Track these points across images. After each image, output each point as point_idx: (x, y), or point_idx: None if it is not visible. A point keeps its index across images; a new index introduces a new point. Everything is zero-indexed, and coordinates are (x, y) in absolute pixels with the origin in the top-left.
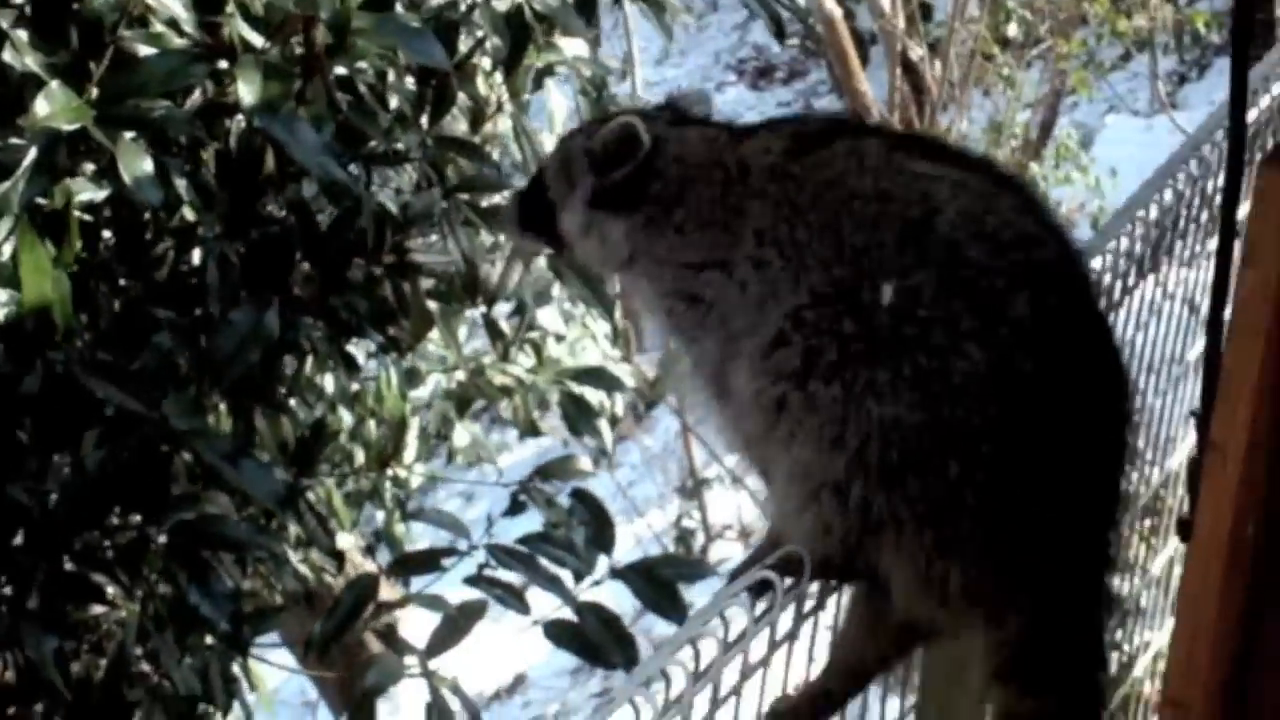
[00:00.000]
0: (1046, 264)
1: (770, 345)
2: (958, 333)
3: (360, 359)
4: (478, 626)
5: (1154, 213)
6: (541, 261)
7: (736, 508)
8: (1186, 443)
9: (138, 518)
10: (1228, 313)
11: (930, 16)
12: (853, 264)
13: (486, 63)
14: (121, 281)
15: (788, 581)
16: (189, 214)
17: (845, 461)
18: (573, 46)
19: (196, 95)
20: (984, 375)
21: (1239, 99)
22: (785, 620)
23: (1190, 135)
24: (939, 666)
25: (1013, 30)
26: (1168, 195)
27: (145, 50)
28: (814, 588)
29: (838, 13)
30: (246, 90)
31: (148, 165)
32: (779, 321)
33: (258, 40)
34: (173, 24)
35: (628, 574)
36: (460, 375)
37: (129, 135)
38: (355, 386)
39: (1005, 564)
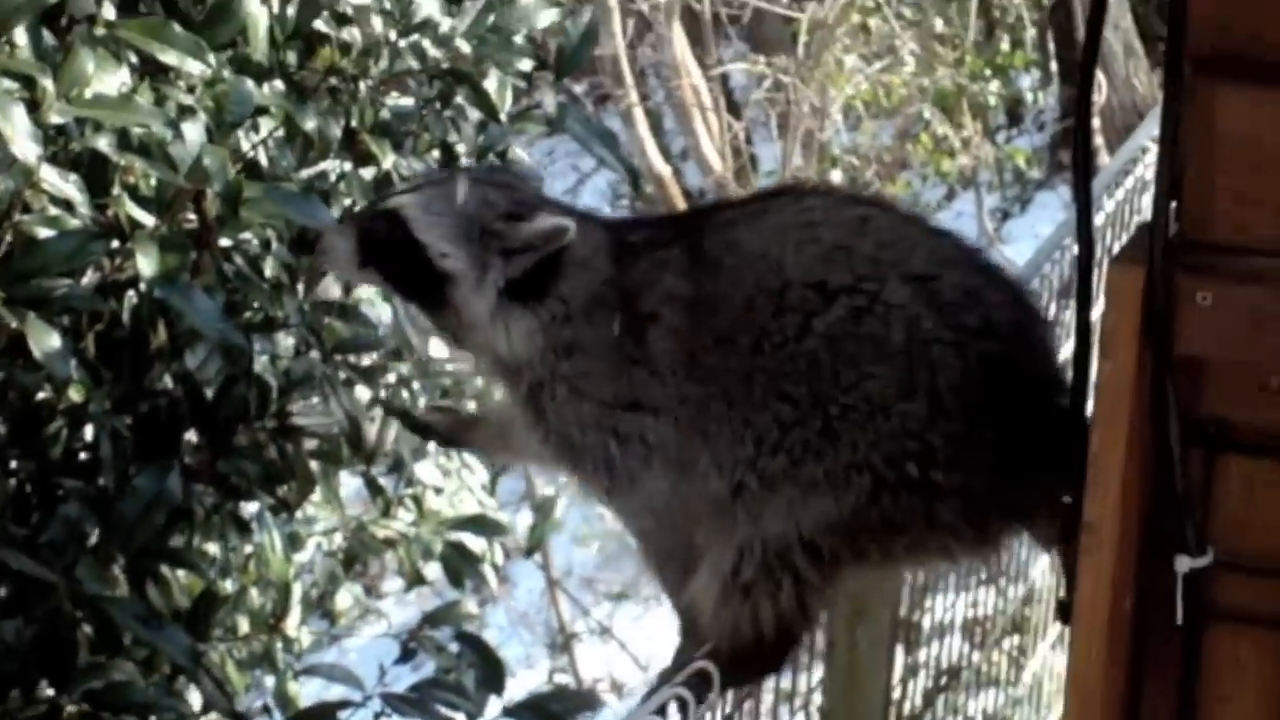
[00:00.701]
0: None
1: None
2: (863, 366)
3: None
4: None
5: None
6: None
7: (606, 660)
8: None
9: (48, 691)
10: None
11: (758, 167)
12: (751, 355)
13: None
14: (13, 464)
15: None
16: (73, 394)
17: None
18: None
19: (89, 274)
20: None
21: (1084, 205)
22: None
23: (1031, 257)
24: (844, 618)
25: (838, 176)
26: None
27: (44, 232)
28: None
29: (666, 171)
30: (146, 263)
31: (56, 341)
32: (731, 437)
33: (147, 218)
34: (64, 205)
35: (520, 711)
36: (340, 538)
37: (31, 314)
38: (249, 549)
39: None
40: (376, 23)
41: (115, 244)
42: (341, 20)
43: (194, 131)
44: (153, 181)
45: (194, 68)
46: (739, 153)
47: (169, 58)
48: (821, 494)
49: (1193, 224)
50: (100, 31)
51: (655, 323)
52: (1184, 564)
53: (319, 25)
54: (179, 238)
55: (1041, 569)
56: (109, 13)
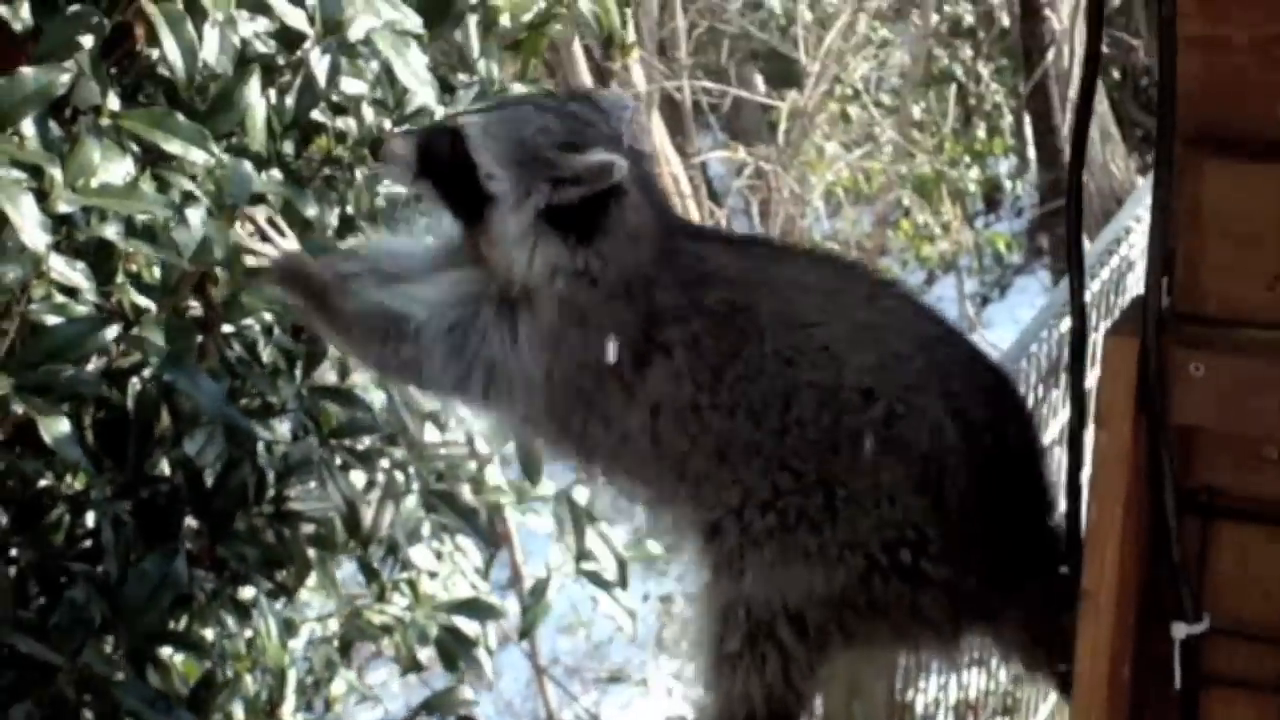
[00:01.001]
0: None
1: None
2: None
3: None
4: None
5: None
6: (412, 501)
7: None
8: None
9: None
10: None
11: None
12: (769, 434)
13: None
14: (14, 552)
15: None
16: (75, 481)
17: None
18: None
19: (94, 361)
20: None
21: (1078, 277)
22: None
23: (1018, 337)
24: (840, 696)
25: None
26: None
27: (52, 319)
28: None
29: None
30: (153, 347)
31: (66, 427)
32: (716, 484)
33: (150, 304)
34: (69, 293)
35: None
36: (334, 624)
37: (40, 401)
38: (249, 633)
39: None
40: (369, 113)
41: (120, 330)
42: (337, 110)
43: (197, 217)
44: (156, 271)
45: (198, 156)
46: None
47: (173, 147)
48: (812, 565)
49: (1184, 297)
50: (105, 122)
51: (666, 355)
52: (1180, 630)
53: (315, 115)
54: (185, 322)
55: None
56: (114, 103)
